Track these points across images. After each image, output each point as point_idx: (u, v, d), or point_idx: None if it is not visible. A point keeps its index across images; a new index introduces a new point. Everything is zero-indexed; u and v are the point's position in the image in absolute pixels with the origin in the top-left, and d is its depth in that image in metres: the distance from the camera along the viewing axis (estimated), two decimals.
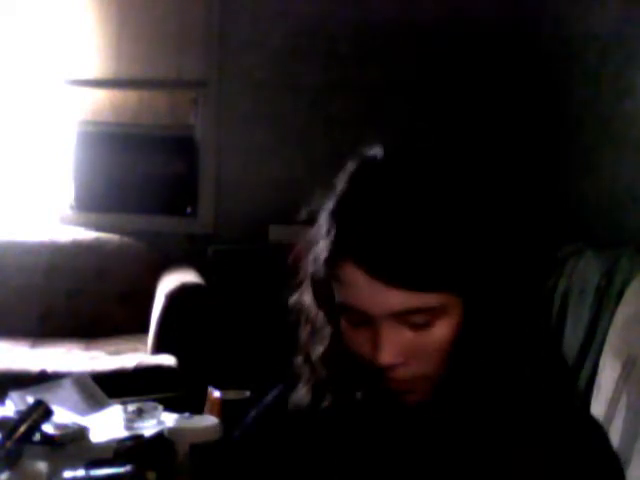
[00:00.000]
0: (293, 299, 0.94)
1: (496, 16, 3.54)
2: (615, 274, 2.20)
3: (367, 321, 0.83)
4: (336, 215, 0.84)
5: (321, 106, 3.74)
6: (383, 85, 3.73)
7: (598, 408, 1.79)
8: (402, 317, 0.81)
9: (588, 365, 2.17)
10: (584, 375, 2.18)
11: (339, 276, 0.82)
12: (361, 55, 3.74)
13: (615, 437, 1.67)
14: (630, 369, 1.70)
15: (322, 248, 0.84)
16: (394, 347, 0.82)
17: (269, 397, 1.03)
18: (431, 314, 0.82)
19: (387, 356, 0.82)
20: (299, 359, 0.95)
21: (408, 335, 0.82)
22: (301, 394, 0.94)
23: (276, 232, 3.55)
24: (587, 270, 2.33)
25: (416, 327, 0.82)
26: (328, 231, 0.84)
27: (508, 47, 3.58)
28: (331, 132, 3.69)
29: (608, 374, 1.81)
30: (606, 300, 2.19)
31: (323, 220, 0.86)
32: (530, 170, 3.42)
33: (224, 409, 1.81)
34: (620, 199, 2.78)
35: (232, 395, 1.86)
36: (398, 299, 0.80)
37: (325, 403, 0.91)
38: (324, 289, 0.86)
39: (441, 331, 0.83)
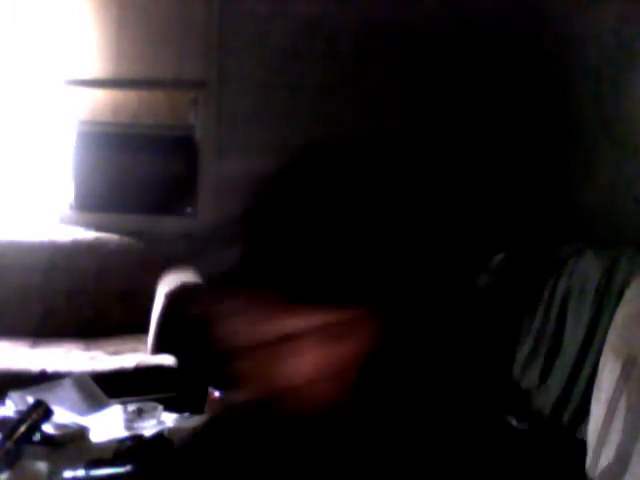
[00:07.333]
0: None
1: (496, 16, 3.54)
2: (615, 274, 2.20)
3: None
4: None
5: (321, 106, 3.74)
6: (383, 85, 3.73)
7: (598, 408, 1.79)
8: None
9: (588, 365, 2.17)
10: (584, 375, 2.18)
11: None
12: (361, 55, 3.73)
13: (615, 437, 1.67)
14: (630, 369, 1.70)
15: None
16: None
17: None
18: None
19: None
20: None
21: None
22: None
23: None
24: (587, 270, 2.33)
25: None
26: None
27: (508, 47, 3.58)
28: (331, 132, 3.68)
29: (608, 374, 1.80)
30: (606, 300, 2.19)
31: None
32: (530, 170, 3.41)
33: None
34: (620, 199, 2.78)
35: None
36: None
37: None
38: None
39: None
